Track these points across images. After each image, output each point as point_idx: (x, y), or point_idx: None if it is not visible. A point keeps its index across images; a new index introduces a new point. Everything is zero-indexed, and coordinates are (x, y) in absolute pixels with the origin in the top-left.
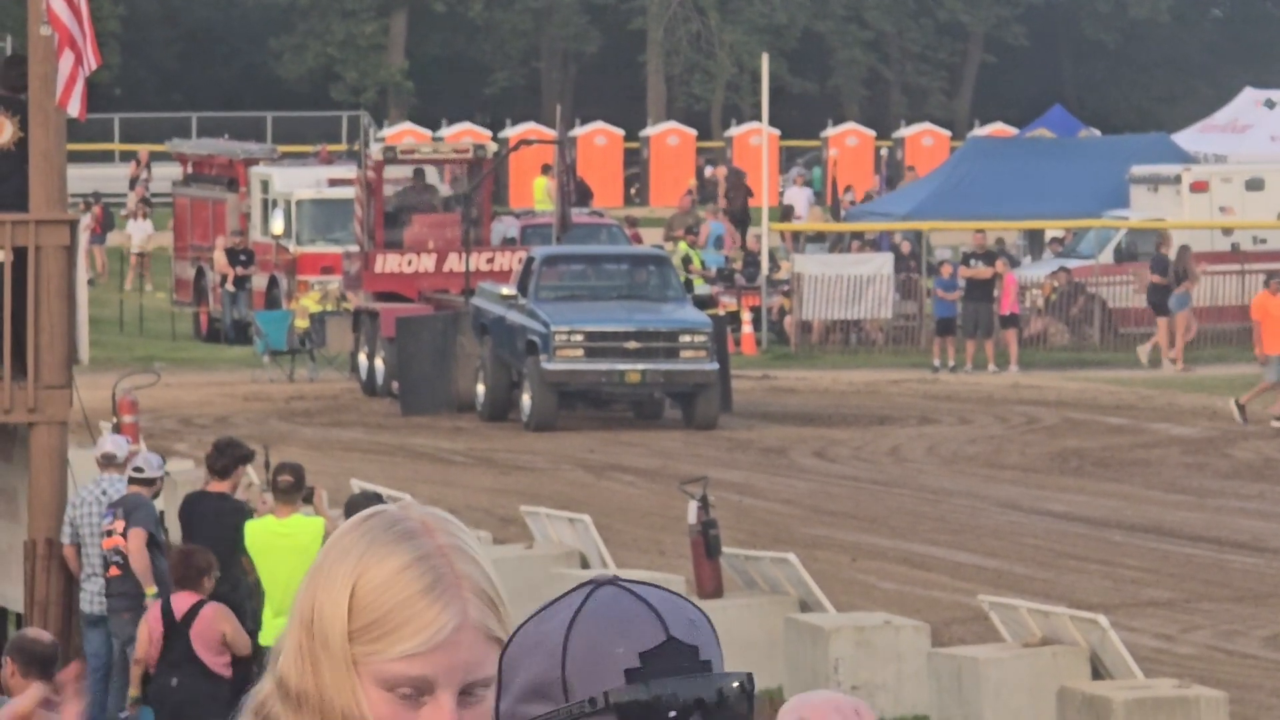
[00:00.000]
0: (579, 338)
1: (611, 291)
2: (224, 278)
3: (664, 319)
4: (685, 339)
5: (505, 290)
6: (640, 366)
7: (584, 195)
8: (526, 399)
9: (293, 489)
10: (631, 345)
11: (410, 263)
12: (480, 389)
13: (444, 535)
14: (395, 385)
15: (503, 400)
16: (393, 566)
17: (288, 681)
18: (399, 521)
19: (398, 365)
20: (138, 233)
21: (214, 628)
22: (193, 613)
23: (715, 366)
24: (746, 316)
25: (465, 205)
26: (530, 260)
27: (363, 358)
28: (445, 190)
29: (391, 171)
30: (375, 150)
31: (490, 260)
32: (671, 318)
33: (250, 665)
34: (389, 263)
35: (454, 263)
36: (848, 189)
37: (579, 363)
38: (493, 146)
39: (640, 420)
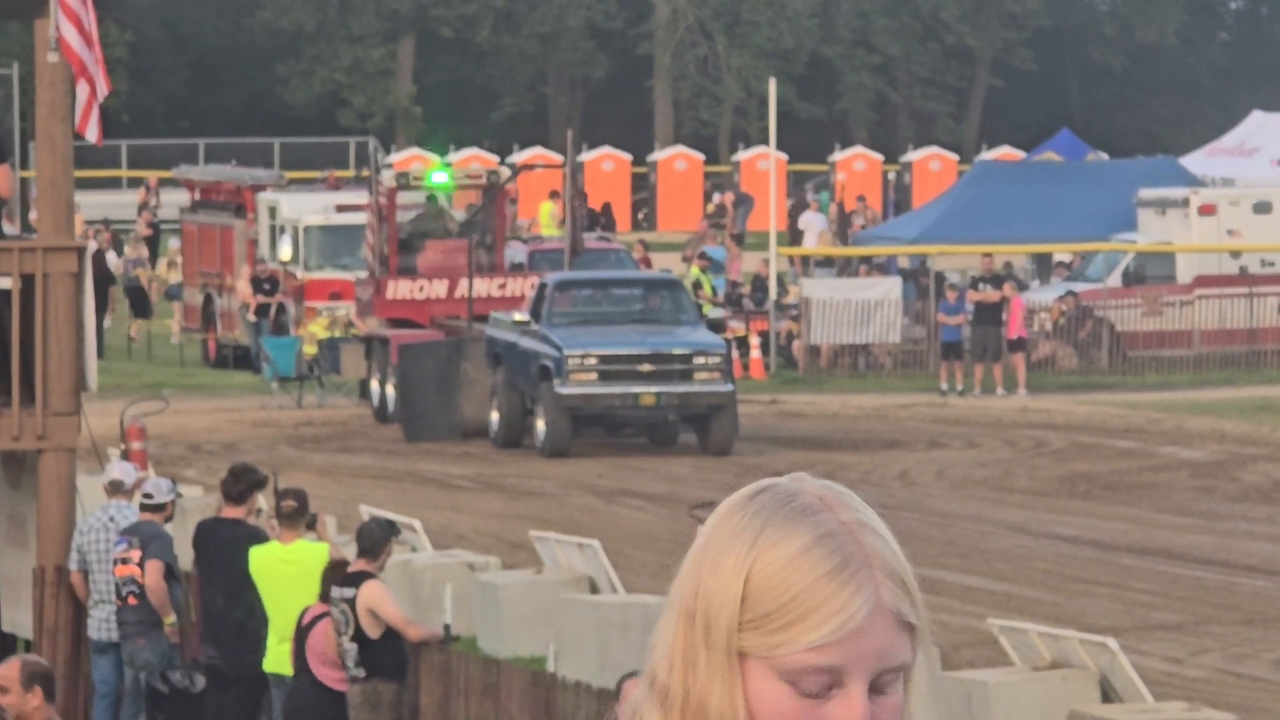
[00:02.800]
0: (592, 361)
1: (624, 316)
2: (247, 306)
3: (678, 341)
4: (699, 360)
5: (518, 316)
6: (654, 389)
7: (592, 220)
8: (540, 425)
9: (296, 514)
10: (645, 368)
11: (422, 289)
12: (494, 416)
13: (845, 510)
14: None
15: (516, 427)
16: (794, 547)
17: (657, 677)
18: (794, 496)
19: (400, 392)
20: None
21: (326, 639)
22: (314, 623)
23: (730, 388)
24: (755, 341)
25: (469, 230)
26: (543, 286)
27: (374, 384)
28: (460, 216)
29: (403, 197)
30: (388, 176)
31: (502, 286)
32: (685, 340)
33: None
34: (401, 289)
35: (467, 288)
36: (859, 199)
37: (593, 386)
38: (506, 172)
39: (653, 446)
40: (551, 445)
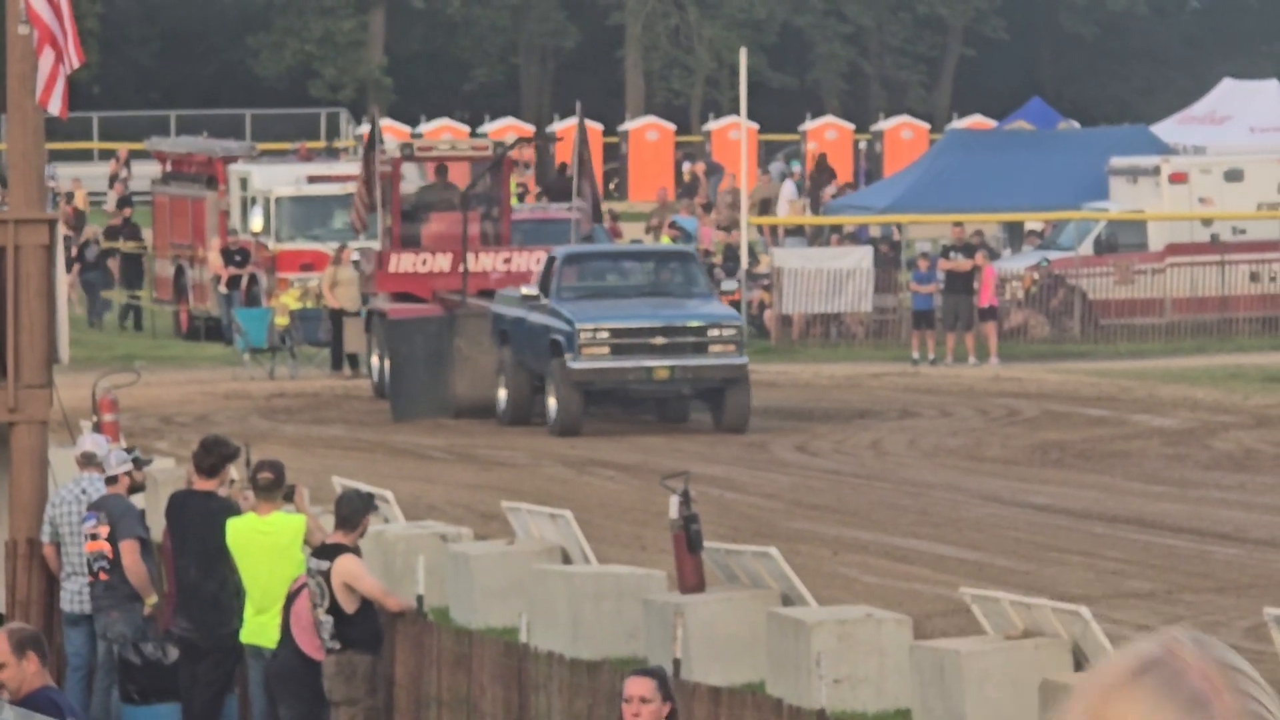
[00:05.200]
0: (605, 335)
1: (635, 289)
2: (218, 278)
3: (691, 313)
4: (714, 333)
5: (526, 290)
6: (668, 362)
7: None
8: (551, 402)
9: (273, 486)
10: (659, 341)
11: (425, 262)
12: (501, 394)
13: (1234, 696)
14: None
15: (524, 405)
16: None
17: None
18: (1181, 679)
19: (389, 368)
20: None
21: (309, 611)
22: (299, 590)
23: (744, 360)
24: None
25: (466, 202)
26: (552, 259)
27: (375, 359)
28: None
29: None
30: (392, 147)
31: (508, 260)
32: (698, 312)
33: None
34: (404, 262)
35: (473, 262)
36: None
37: (605, 361)
38: (511, 140)
39: (665, 424)
40: (563, 423)
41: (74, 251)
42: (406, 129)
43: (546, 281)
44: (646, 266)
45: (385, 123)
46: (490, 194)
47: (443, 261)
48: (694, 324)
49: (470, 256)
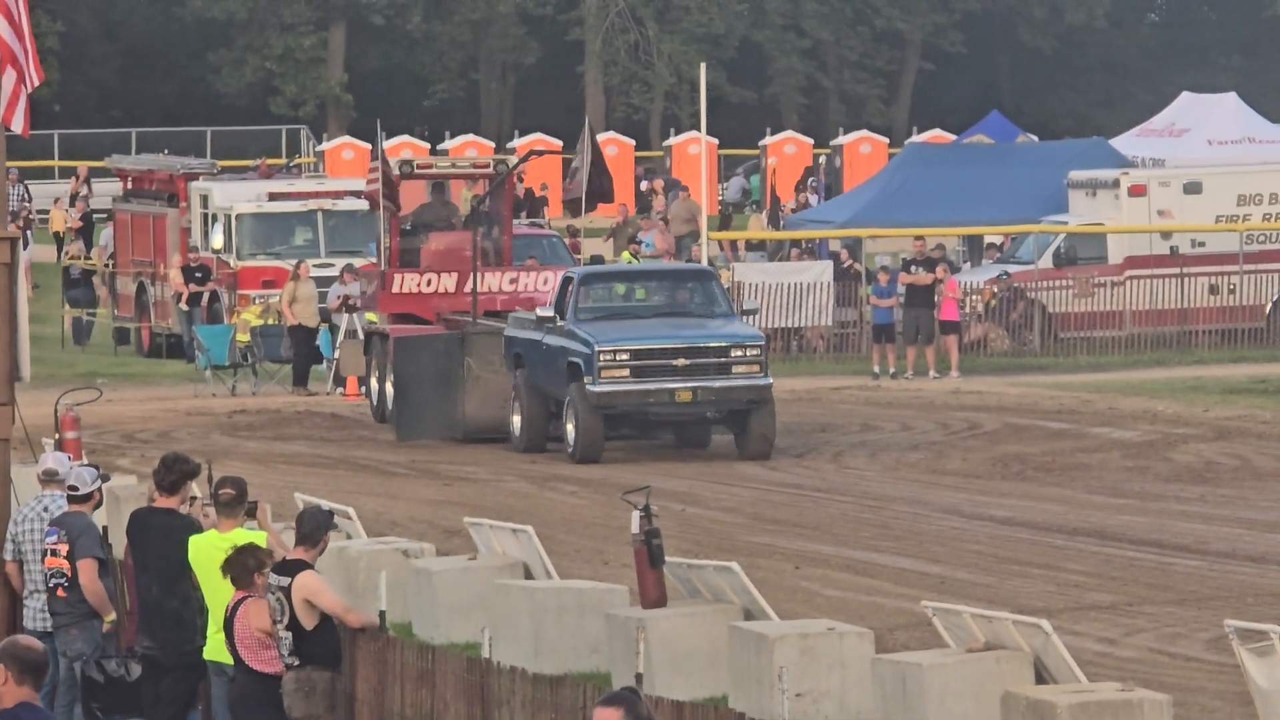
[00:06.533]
0: (625, 356)
1: (655, 309)
2: (180, 295)
3: (713, 334)
4: (737, 353)
5: (542, 312)
6: (691, 384)
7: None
8: (570, 428)
9: (235, 502)
10: (681, 363)
11: (430, 283)
12: (515, 420)
13: None
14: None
15: (540, 432)
16: None
17: None
18: None
19: (395, 389)
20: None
21: (247, 627)
22: (234, 610)
23: (769, 381)
24: None
25: (476, 221)
26: (567, 280)
27: (373, 382)
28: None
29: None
30: (391, 164)
31: (514, 281)
32: (721, 332)
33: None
34: (407, 283)
35: (473, 282)
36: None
37: (626, 383)
38: (514, 160)
39: (684, 450)
40: (583, 449)
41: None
42: (366, 146)
43: (563, 302)
44: (666, 286)
45: (345, 140)
46: (492, 213)
47: (448, 282)
48: (716, 344)
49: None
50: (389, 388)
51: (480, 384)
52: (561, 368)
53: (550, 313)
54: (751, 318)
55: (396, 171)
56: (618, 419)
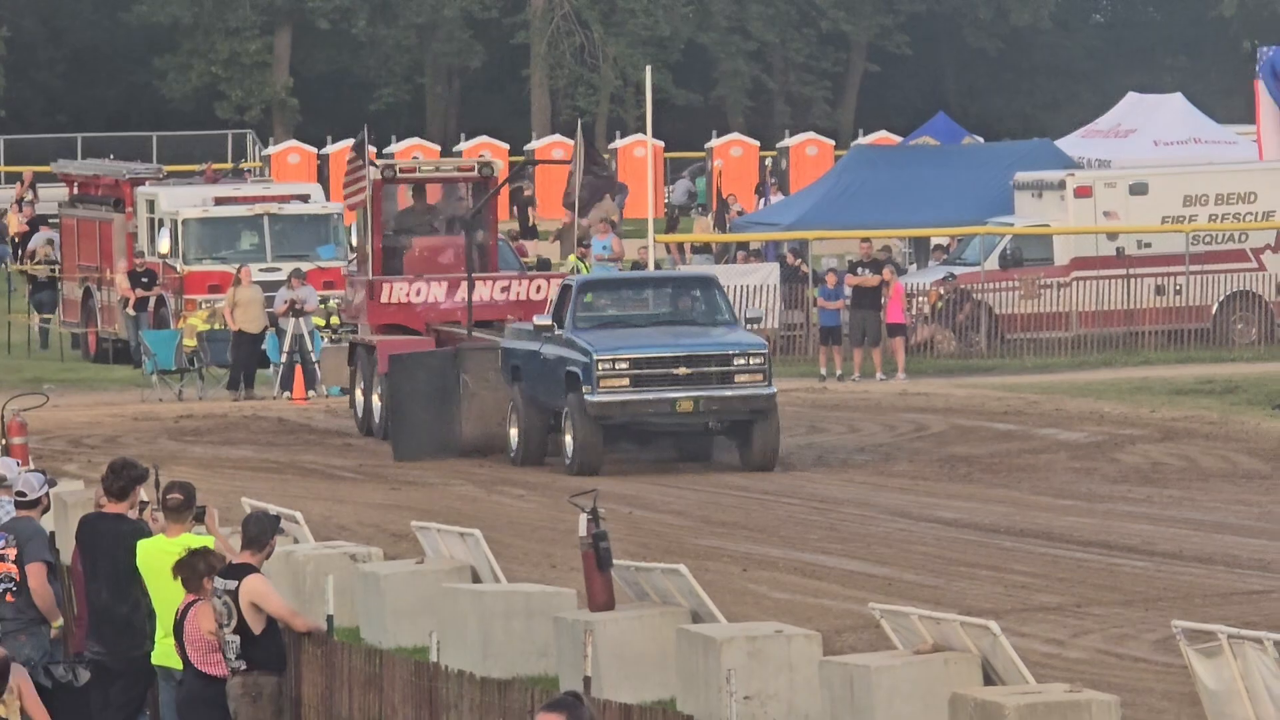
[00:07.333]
0: (624, 365)
1: (655, 318)
2: (126, 300)
3: (715, 342)
4: (740, 362)
5: (539, 320)
6: (693, 394)
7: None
8: (568, 439)
9: (183, 507)
10: (682, 371)
11: (419, 292)
12: (512, 434)
13: None
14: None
15: (538, 445)
16: None
17: None
18: None
19: (390, 405)
20: None
21: (197, 630)
22: (184, 613)
23: (773, 391)
24: None
25: (465, 227)
26: (566, 288)
27: (358, 394)
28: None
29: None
30: (373, 168)
31: (505, 289)
32: (723, 340)
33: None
34: (396, 292)
35: (467, 291)
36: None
37: (625, 393)
38: (499, 164)
39: (685, 463)
40: (581, 461)
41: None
42: (312, 150)
43: (560, 311)
44: (666, 294)
45: (291, 144)
46: (478, 219)
47: (437, 291)
48: (719, 353)
49: (464, 285)
50: (375, 400)
51: (477, 400)
52: (560, 378)
53: (548, 321)
54: (754, 326)
55: (379, 176)
56: (617, 429)
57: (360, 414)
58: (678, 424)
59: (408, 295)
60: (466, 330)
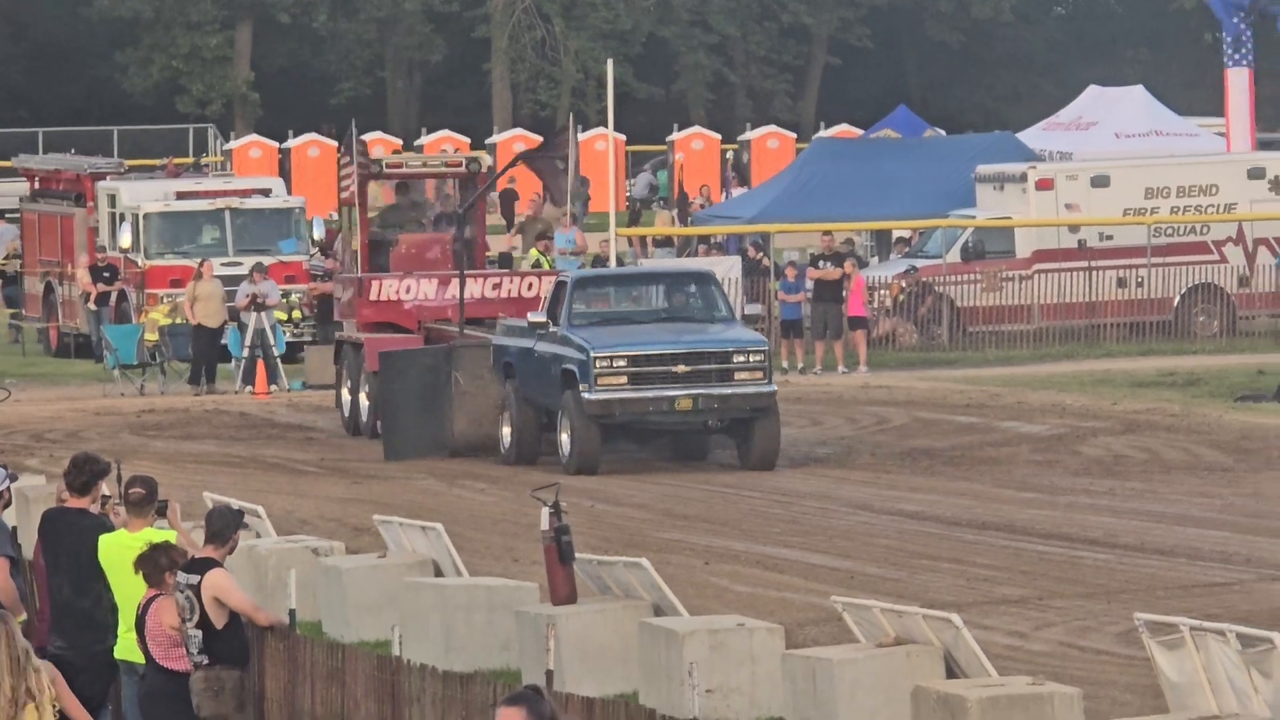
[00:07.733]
0: (622, 363)
1: (653, 314)
2: (88, 295)
3: (714, 339)
4: (739, 359)
5: (534, 317)
6: (692, 391)
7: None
8: (565, 438)
9: (145, 501)
10: (681, 369)
11: (409, 289)
12: (505, 432)
13: None
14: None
15: (531, 443)
16: None
17: None
18: None
19: (380, 404)
20: None
21: (159, 624)
22: (146, 608)
23: (773, 388)
24: None
25: (450, 223)
26: (560, 284)
27: (344, 392)
28: (436, 208)
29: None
30: (358, 164)
31: (497, 286)
32: (722, 337)
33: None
34: (385, 289)
35: (459, 288)
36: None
37: (623, 391)
38: (487, 159)
39: (681, 462)
40: (578, 460)
41: None
42: (274, 144)
43: (555, 308)
44: (664, 290)
45: (252, 138)
46: (468, 215)
47: (427, 288)
48: (718, 350)
49: (454, 282)
50: (363, 399)
51: (469, 399)
52: (555, 376)
53: (543, 318)
54: (754, 323)
55: (364, 171)
56: (614, 427)
57: (347, 413)
58: (677, 422)
59: (397, 292)
60: (458, 328)
